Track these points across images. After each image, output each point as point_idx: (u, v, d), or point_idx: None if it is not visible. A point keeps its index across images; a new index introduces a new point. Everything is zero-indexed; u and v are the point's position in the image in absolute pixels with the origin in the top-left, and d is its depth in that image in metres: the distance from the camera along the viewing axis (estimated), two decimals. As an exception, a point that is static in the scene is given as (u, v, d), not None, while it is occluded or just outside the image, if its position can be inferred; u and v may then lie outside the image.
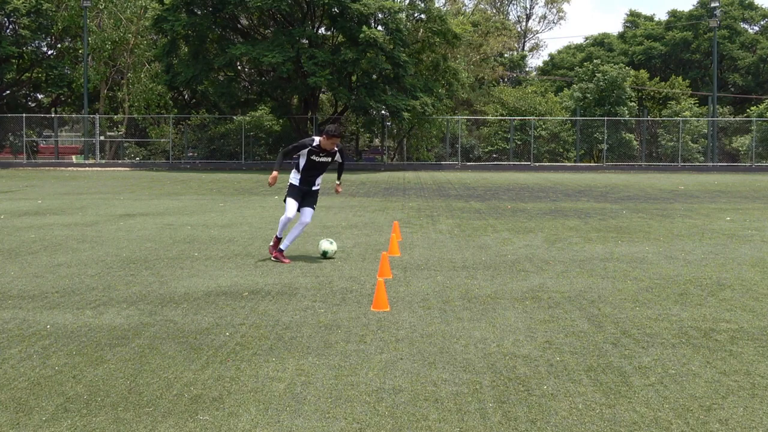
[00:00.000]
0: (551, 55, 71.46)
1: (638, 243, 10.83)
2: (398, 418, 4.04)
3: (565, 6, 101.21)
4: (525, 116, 45.60)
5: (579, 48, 69.84)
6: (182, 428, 3.90)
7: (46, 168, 39.06)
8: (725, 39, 60.58)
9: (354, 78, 38.92)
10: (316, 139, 8.90)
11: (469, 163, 43.26)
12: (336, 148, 8.96)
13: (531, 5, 75.39)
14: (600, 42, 68.19)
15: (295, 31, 37.20)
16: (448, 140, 44.54)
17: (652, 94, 55.65)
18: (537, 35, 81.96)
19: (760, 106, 48.25)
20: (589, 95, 46.52)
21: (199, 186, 24.14)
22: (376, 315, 6.32)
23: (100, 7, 44.02)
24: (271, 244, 9.28)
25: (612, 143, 44.81)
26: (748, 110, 51.13)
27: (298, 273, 8.25)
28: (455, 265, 8.82)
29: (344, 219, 13.95)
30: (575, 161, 44.70)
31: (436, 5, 41.37)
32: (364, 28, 35.17)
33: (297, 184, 9.06)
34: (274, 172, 8.84)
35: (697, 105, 50.96)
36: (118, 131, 45.29)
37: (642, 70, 56.42)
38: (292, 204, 8.96)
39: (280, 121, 43.48)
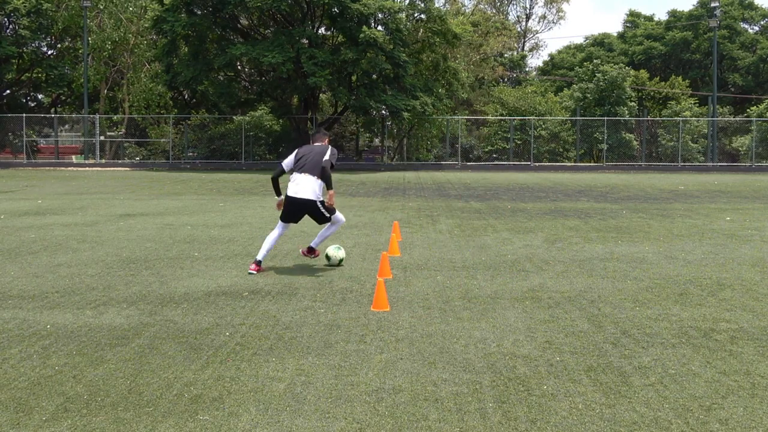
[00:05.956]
0: (551, 55, 71.41)
1: (638, 243, 10.83)
2: (398, 418, 4.04)
3: (565, 6, 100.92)
4: (525, 116, 45.56)
5: (579, 48, 69.78)
6: (182, 428, 3.90)
7: (46, 168, 39.03)
8: (725, 39, 60.55)
9: (354, 78, 38.89)
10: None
11: (469, 163, 43.22)
12: None
13: (531, 5, 75.22)
14: (600, 42, 68.14)
15: (295, 31, 37.18)
16: (448, 140, 44.52)
17: (652, 94, 55.62)
18: (537, 35, 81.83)
19: (760, 106, 48.21)
20: (589, 95, 46.48)
21: (199, 186, 24.13)
22: (376, 315, 6.32)
23: (100, 7, 43.99)
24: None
25: (612, 143, 44.78)
26: (748, 110, 51.08)
27: (298, 273, 8.25)
28: (455, 265, 8.82)
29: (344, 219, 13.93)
30: (575, 161, 44.67)
31: (436, 5, 41.34)
32: (364, 28, 35.15)
33: None
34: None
35: (697, 105, 50.91)
36: (118, 131, 45.25)
37: (642, 70, 56.38)
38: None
39: (280, 121, 43.46)
